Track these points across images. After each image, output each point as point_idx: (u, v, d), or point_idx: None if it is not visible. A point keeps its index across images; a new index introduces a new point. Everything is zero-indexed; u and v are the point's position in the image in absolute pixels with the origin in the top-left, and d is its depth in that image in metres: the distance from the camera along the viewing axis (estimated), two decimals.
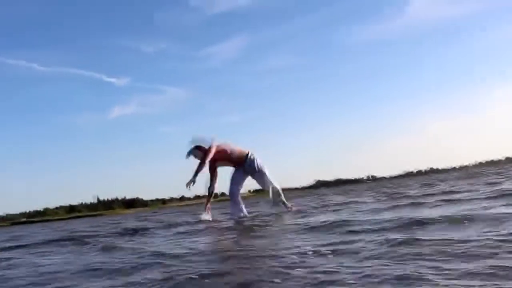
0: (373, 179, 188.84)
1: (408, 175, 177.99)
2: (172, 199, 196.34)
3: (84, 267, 3.85)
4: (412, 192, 10.49)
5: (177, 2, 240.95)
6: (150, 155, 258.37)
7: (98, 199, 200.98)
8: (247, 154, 8.51)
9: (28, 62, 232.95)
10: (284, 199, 8.65)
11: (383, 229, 4.02)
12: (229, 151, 8.47)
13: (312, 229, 4.83)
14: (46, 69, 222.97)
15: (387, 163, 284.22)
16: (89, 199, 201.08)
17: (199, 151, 8.32)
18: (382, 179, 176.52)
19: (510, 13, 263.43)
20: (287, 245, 3.86)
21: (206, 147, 8.30)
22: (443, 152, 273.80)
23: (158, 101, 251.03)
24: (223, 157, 8.45)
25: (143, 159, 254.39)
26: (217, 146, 8.39)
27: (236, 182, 8.49)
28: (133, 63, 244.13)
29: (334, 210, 7.44)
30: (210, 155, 8.24)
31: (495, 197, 5.83)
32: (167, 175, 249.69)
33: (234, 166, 8.58)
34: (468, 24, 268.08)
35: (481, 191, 7.65)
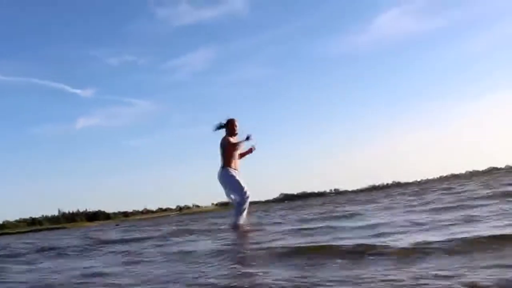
0: (337, 192, 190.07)
1: (371, 188, 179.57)
2: (134, 212, 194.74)
3: None
4: (343, 210, 10.32)
5: (144, 13, 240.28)
6: (114, 168, 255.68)
7: (59, 211, 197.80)
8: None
9: None
10: None
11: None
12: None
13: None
14: (6, 78, 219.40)
15: (355, 176, 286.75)
16: (51, 211, 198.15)
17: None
18: (346, 192, 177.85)
19: (473, 30, 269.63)
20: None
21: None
22: (409, 165, 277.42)
23: (124, 114, 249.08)
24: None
25: (107, 171, 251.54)
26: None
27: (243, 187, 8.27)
28: (99, 75, 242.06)
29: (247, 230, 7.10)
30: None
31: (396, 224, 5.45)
32: (130, 187, 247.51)
33: (235, 168, 8.43)
34: (433, 39, 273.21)
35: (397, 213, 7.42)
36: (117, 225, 42.15)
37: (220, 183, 8.42)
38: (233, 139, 8.46)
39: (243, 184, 8.22)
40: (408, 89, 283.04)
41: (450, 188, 18.33)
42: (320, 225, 6.33)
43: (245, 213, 8.26)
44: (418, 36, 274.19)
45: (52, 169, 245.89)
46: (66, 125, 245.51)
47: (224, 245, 5.21)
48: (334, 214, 8.72)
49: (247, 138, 8.48)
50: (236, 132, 8.55)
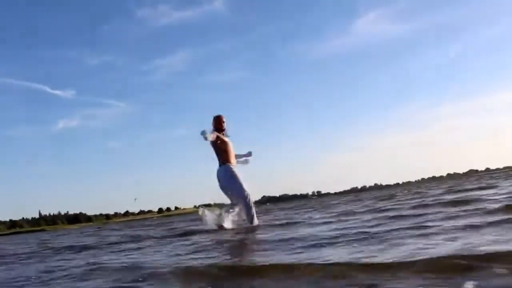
0: (319, 194, 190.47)
1: (353, 191, 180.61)
2: (116, 214, 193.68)
3: None
4: (297, 216, 10.01)
5: (124, 14, 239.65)
6: (95, 169, 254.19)
7: (40, 214, 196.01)
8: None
9: None
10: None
11: None
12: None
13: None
14: None
15: (338, 178, 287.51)
16: (32, 214, 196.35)
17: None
18: (328, 194, 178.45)
19: (452, 33, 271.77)
20: None
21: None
22: (392, 168, 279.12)
23: (103, 115, 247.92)
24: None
25: (89, 173, 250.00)
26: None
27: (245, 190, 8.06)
28: (79, 75, 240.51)
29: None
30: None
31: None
32: (111, 190, 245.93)
33: (234, 165, 8.23)
34: (411, 43, 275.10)
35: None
36: (98, 227, 42.44)
37: (221, 183, 8.08)
38: (221, 135, 8.17)
39: (244, 185, 7.98)
40: (388, 91, 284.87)
41: (420, 192, 18.15)
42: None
43: (254, 211, 8.00)
44: (396, 39, 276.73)
45: (33, 171, 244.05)
46: (45, 126, 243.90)
47: (132, 258, 4.79)
48: (277, 222, 8.34)
49: (249, 154, 8.56)
50: (223, 128, 8.28)
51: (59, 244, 10.07)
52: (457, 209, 6.69)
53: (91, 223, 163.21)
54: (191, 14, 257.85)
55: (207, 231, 7.79)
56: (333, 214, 9.36)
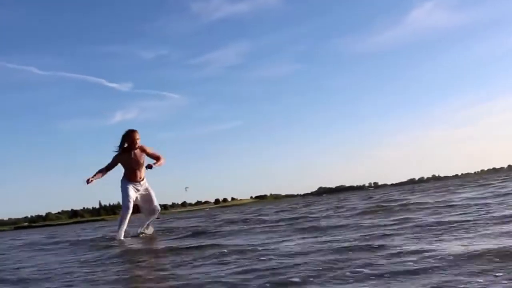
0: (375, 186, 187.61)
1: (411, 182, 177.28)
2: (174, 205, 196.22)
3: None
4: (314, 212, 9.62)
5: (179, 8, 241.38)
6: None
7: (100, 204, 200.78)
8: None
9: (27, 65, 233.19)
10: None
11: None
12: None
13: None
14: (45, 73, 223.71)
15: (395, 170, 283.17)
16: (93, 204, 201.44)
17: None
18: (384, 186, 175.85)
19: (506, 24, 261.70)
20: None
21: None
22: (448, 160, 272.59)
23: (159, 107, 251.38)
24: None
25: None
26: None
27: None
28: (135, 69, 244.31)
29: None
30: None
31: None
32: (168, 181, 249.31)
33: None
34: (467, 33, 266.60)
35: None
36: (157, 218, 42.61)
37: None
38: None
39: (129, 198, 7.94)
40: (442, 83, 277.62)
41: (465, 185, 17.44)
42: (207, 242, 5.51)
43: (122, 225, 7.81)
44: (452, 30, 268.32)
45: (92, 162, 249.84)
46: (104, 118, 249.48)
47: None
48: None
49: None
50: (136, 146, 7.84)
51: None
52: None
53: None
54: (244, 7, 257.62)
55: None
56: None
